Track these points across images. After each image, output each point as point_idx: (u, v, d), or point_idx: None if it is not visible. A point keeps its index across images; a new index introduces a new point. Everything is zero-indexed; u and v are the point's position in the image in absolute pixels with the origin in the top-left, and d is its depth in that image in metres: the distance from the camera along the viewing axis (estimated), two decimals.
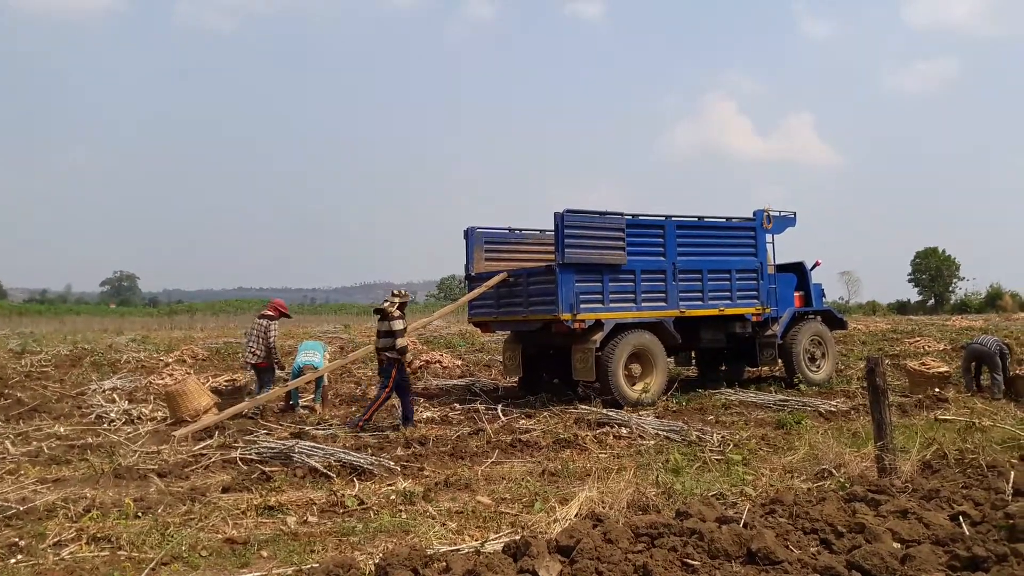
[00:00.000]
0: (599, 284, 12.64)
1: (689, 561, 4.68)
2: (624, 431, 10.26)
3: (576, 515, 5.96)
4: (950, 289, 71.56)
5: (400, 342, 11.08)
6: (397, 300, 11.54)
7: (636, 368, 12.97)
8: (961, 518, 5.48)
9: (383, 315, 11.46)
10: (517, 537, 5.16)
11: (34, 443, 10.06)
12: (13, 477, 8.18)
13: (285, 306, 13.05)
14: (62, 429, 11.10)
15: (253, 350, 12.20)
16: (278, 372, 12.34)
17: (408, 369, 11.42)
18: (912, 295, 72.59)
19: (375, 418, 11.24)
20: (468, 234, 14.33)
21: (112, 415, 12.09)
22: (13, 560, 5.63)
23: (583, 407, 11.81)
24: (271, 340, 12.17)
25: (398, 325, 11.18)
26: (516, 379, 14.89)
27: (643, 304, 13.12)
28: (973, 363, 13.36)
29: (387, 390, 11.15)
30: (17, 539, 6.02)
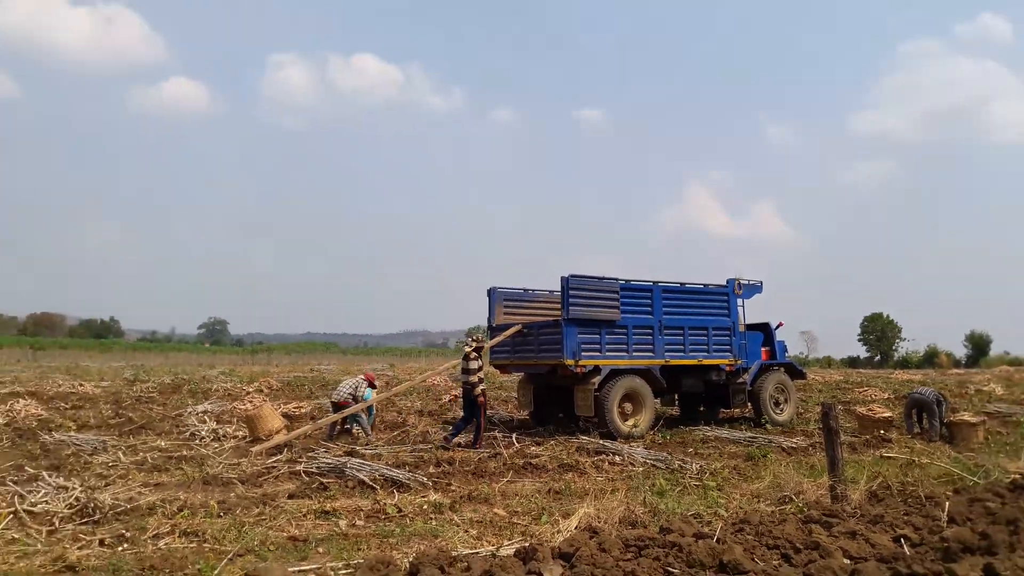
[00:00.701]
0: (598, 336, 12.65)
1: (670, 569, 4.66)
2: (617, 459, 10.17)
3: (576, 527, 5.93)
4: (893, 348, 70.51)
5: (473, 379, 11.46)
6: (475, 344, 11.94)
7: (628, 407, 12.89)
8: (903, 540, 5.41)
9: (465, 356, 11.80)
10: (526, 544, 5.17)
11: (140, 454, 10.18)
12: (123, 481, 8.28)
13: (374, 379, 13.23)
14: (163, 443, 11.22)
15: (344, 393, 12.23)
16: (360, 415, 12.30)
17: (480, 400, 11.59)
18: (861, 352, 71.54)
19: (478, 438, 11.49)
20: (491, 293, 14.44)
21: (203, 433, 12.17)
22: (120, 548, 5.72)
23: (583, 438, 11.72)
24: (359, 395, 12.31)
25: (474, 365, 11.58)
26: (528, 413, 14.81)
27: (634, 354, 13.10)
28: (914, 410, 13.10)
29: (482, 417, 11.56)
30: (124, 531, 6.11)
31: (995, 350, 64.22)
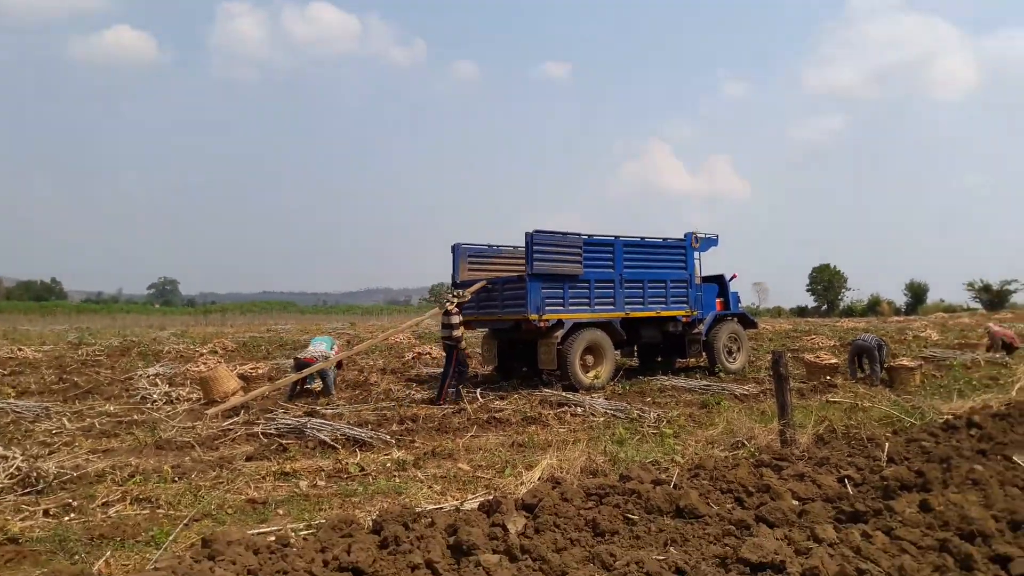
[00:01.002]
0: (561, 291, 12.66)
1: (630, 516, 4.71)
2: (579, 410, 10.26)
3: (539, 479, 5.97)
4: (839, 297, 72.37)
5: (456, 333, 11.55)
6: (456, 300, 11.99)
7: (589, 359, 12.99)
8: (846, 480, 5.56)
9: (445, 312, 11.85)
10: (490, 497, 5.16)
11: (87, 420, 9.86)
12: (68, 448, 8.03)
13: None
14: (112, 408, 10.90)
15: (312, 352, 11.98)
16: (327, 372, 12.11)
17: (464, 354, 11.80)
18: (809, 302, 73.28)
19: (442, 392, 11.52)
20: (455, 249, 14.31)
21: (155, 396, 11.87)
22: (67, 518, 5.54)
23: (546, 391, 11.79)
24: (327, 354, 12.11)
25: (455, 320, 11.66)
26: (492, 368, 14.85)
27: (596, 307, 13.15)
28: (857, 356, 13.49)
29: (453, 370, 11.55)
30: (71, 500, 5.92)
31: (931, 298, 66.52)
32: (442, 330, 12.06)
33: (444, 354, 12.05)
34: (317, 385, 12.22)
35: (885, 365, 13.08)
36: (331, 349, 12.43)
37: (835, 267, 73.19)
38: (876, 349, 12.92)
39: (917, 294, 66.72)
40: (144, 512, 5.66)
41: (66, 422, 9.63)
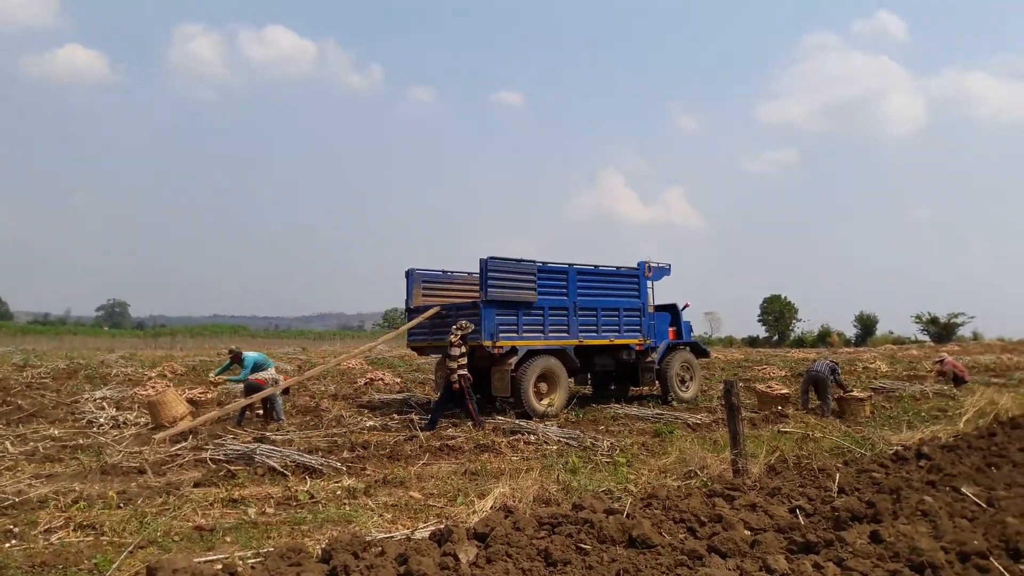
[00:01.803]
0: (515, 317, 12.68)
1: (582, 545, 4.69)
2: (532, 438, 10.24)
3: (491, 507, 5.91)
4: (790, 328, 73.71)
5: (460, 362, 11.56)
6: (460, 332, 11.80)
7: (543, 386, 12.99)
8: (798, 511, 5.62)
9: (449, 343, 11.74)
10: (442, 526, 5.10)
11: (31, 443, 9.51)
12: (11, 473, 7.73)
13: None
14: (56, 432, 10.54)
15: (264, 375, 11.79)
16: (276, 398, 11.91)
17: (457, 385, 11.64)
18: (761, 332, 74.52)
19: (476, 420, 11.49)
20: (409, 274, 14.26)
21: (101, 420, 11.50)
22: (8, 544, 5.33)
23: (500, 418, 11.75)
24: (277, 377, 11.98)
25: (455, 351, 11.60)
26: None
27: (550, 334, 13.20)
28: (811, 386, 13.65)
29: (469, 400, 11.57)
30: (12, 526, 5.70)
31: (881, 330, 68.17)
32: (447, 361, 11.93)
33: (446, 385, 11.95)
34: (259, 409, 12.01)
35: (843, 387, 13.33)
36: (265, 367, 12.15)
37: (786, 298, 74.69)
38: (830, 373, 13.11)
39: (867, 326, 68.35)
40: (88, 539, 5.47)
41: (9, 446, 9.27)
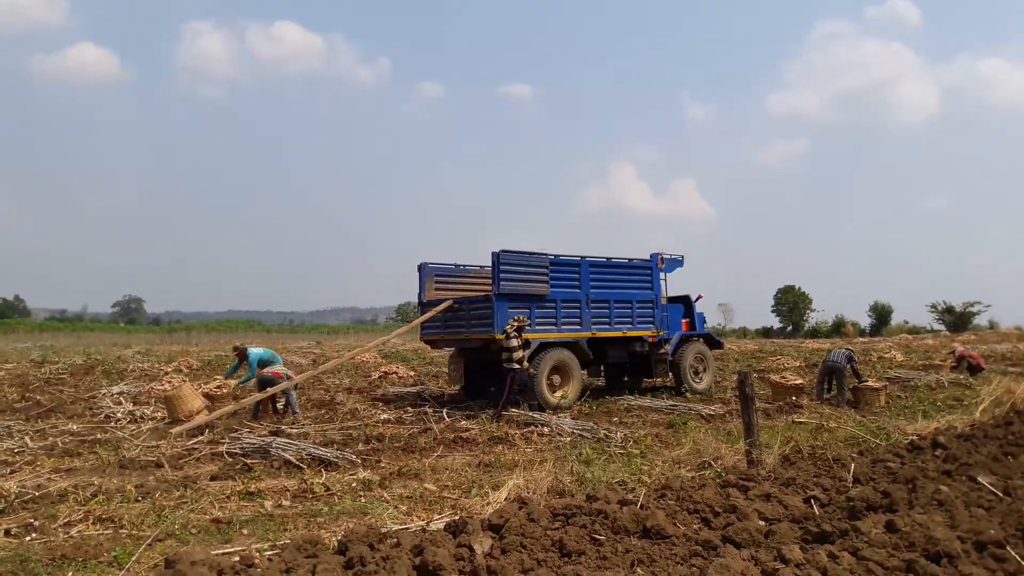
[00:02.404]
0: (527, 310, 12.67)
1: (596, 536, 4.69)
2: (546, 430, 10.25)
3: (505, 499, 5.92)
4: (804, 318, 73.18)
5: (515, 356, 11.73)
6: (516, 324, 11.95)
7: (556, 379, 13.00)
8: (813, 501, 5.60)
9: (506, 335, 11.88)
10: (456, 517, 5.12)
11: (50, 438, 9.63)
12: (31, 467, 7.82)
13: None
14: (75, 427, 10.66)
15: (279, 368, 11.97)
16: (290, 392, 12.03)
17: (526, 375, 11.95)
18: (775, 323, 73.99)
19: (500, 406, 11.76)
20: (421, 268, 14.29)
21: (119, 415, 11.64)
22: (28, 537, 5.40)
23: (513, 410, 11.76)
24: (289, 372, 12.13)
25: (512, 343, 11.71)
26: (459, 387, 14.77)
27: (563, 327, 13.20)
28: (827, 376, 13.57)
29: (507, 391, 11.79)
30: (32, 520, 5.78)
31: (896, 319, 67.57)
32: (502, 354, 12.01)
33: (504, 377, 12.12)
34: (281, 405, 12.09)
35: (859, 375, 13.24)
36: (272, 363, 12.22)
37: (800, 288, 74.16)
38: (847, 366, 13.03)
39: (881, 316, 67.77)
40: (107, 532, 5.53)
41: (28, 441, 9.40)
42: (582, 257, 13.71)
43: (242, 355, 12.33)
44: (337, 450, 8.57)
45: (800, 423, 10.51)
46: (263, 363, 11.99)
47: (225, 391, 12.57)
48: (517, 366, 11.70)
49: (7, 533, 5.49)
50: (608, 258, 14.25)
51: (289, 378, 11.76)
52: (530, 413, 11.37)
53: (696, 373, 15.34)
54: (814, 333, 64.47)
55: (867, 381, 13.46)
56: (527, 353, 12.03)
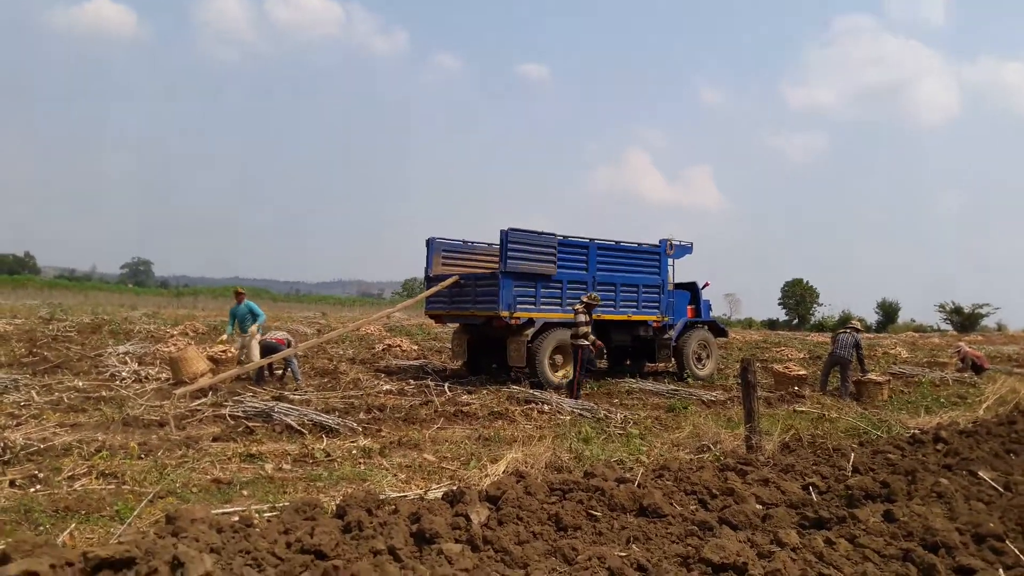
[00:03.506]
0: (533, 289, 12.68)
1: (593, 512, 4.71)
2: (546, 408, 10.27)
3: (503, 472, 5.94)
4: (811, 312, 73.01)
5: (580, 331, 11.56)
6: (586, 301, 11.95)
7: (559, 358, 13.01)
8: (811, 488, 5.61)
9: (575, 311, 11.85)
10: (454, 487, 5.14)
11: (56, 394, 9.70)
12: (36, 421, 7.88)
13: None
14: (80, 383, 10.73)
15: (283, 335, 12.10)
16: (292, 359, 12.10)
17: (593, 352, 11.80)
18: (781, 315, 73.84)
19: (575, 389, 11.56)
20: (429, 243, 14.28)
21: (124, 374, 11.72)
22: (32, 489, 5.45)
23: (514, 387, 11.81)
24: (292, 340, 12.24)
25: (580, 319, 11.62)
26: (462, 362, 14.82)
27: (568, 307, 13.17)
28: (834, 368, 13.43)
29: (577, 370, 11.62)
30: (37, 472, 5.83)
31: (903, 317, 67.30)
32: (574, 329, 11.91)
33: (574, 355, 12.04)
34: (288, 375, 12.17)
35: (863, 363, 13.18)
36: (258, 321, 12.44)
37: (807, 282, 73.90)
38: (853, 357, 12.93)
39: (888, 313, 67.51)
40: (109, 487, 5.57)
41: (35, 395, 9.47)
42: (590, 239, 13.67)
43: (241, 297, 12.54)
44: (339, 418, 8.62)
45: (801, 412, 10.51)
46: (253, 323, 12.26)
47: (231, 354, 12.62)
48: (585, 342, 11.61)
49: (12, 484, 5.53)
50: (617, 241, 14.21)
51: (291, 345, 11.81)
52: (531, 390, 11.40)
53: (699, 359, 15.33)
54: (820, 327, 64.26)
55: (869, 373, 13.41)
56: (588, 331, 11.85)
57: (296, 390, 11.04)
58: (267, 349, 11.64)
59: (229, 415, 8.55)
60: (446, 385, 12.09)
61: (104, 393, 9.98)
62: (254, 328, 12.33)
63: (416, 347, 19.57)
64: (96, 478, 5.77)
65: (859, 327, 13.61)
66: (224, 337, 13.22)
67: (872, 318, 67.78)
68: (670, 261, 14.94)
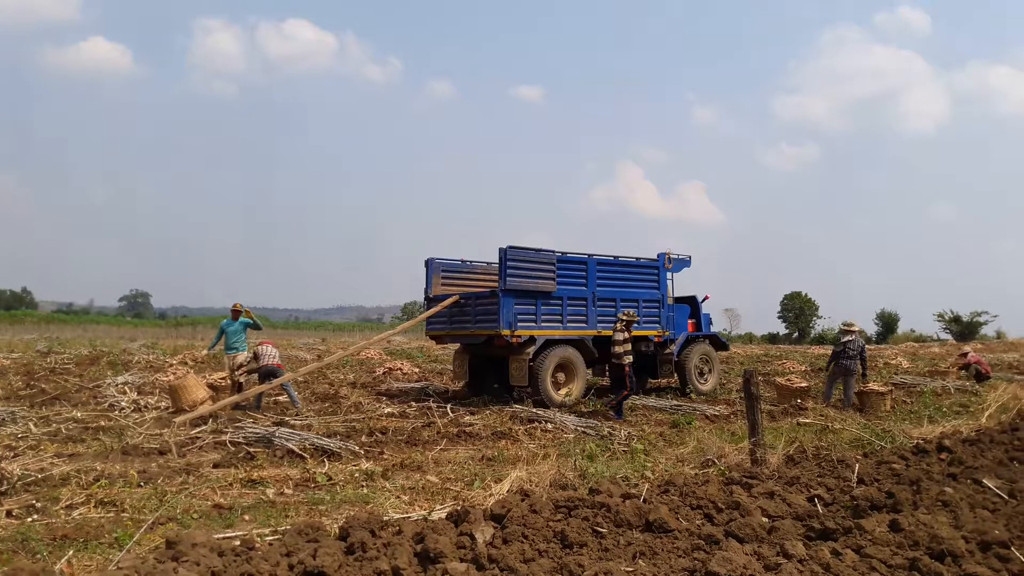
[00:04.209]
0: (533, 307, 12.66)
1: (598, 528, 4.69)
2: (550, 426, 10.24)
3: (508, 491, 5.92)
4: (811, 325, 72.96)
5: (616, 349, 11.61)
6: (625, 319, 11.95)
7: (561, 376, 12.98)
8: (816, 500, 5.59)
9: (614, 330, 11.90)
10: (459, 507, 5.11)
11: (54, 425, 9.65)
12: (34, 452, 7.84)
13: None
14: (79, 414, 10.67)
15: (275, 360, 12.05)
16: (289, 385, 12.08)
17: (627, 371, 11.68)
18: (781, 328, 73.80)
19: (619, 408, 11.57)
20: (428, 263, 14.30)
21: (123, 404, 11.66)
22: (30, 519, 5.41)
23: (517, 406, 11.75)
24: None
25: (618, 337, 11.66)
26: (463, 383, 14.75)
27: (568, 324, 13.17)
28: (839, 379, 13.35)
29: (627, 389, 11.55)
30: (34, 501, 5.79)
31: (902, 328, 67.24)
32: (612, 347, 11.92)
33: (611, 374, 12.18)
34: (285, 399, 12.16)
35: (864, 365, 13.06)
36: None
37: (806, 295, 73.95)
38: (858, 367, 12.92)
39: (888, 323, 67.47)
40: (108, 515, 5.54)
41: (32, 426, 9.42)
42: (589, 255, 13.69)
43: (237, 315, 12.64)
44: (340, 441, 8.57)
45: (805, 424, 10.48)
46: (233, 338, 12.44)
47: (229, 382, 12.58)
48: (626, 360, 11.59)
49: (9, 514, 5.49)
50: (615, 256, 14.22)
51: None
52: (533, 409, 11.36)
53: (701, 374, 15.29)
54: (820, 340, 64.14)
55: (870, 382, 13.39)
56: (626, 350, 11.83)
57: (296, 415, 11.01)
58: (268, 374, 11.61)
59: (230, 441, 8.52)
60: (448, 406, 12.04)
61: (103, 423, 9.94)
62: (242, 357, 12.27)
63: (417, 369, 19.52)
64: (95, 506, 5.74)
65: (859, 331, 13.60)
66: (205, 353, 13.21)
67: (872, 329, 67.73)
68: (669, 275, 14.95)
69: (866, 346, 13.53)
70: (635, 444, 8.88)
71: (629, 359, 11.62)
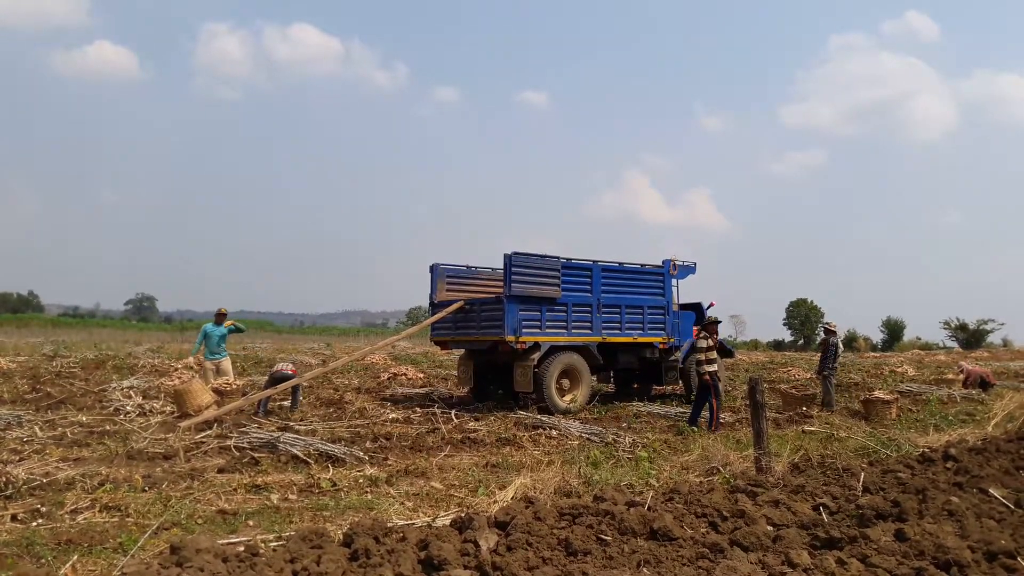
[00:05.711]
0: (538, 313, 12.67)
1: (603, 536, 4.67)
2: (554, 433, 10.23)
3: (512, 498, 5.92)
4: (816, 332, 72.74)
5: (704, 356, 11.39)
6: (710, 322, 11.98)
7: (566, 382, 12.98)
8: (822, 508, 5.57)
9: (695, 338, 11.91)
10: (463, 514, 5.11)
11: (59, 429, 9.70)
12: (39, 456, 7.87)
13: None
14: (84, 418, 10.72)
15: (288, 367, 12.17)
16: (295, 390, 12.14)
17: (707, 380, 11.40)
18: (786, 336, 73.71)
19: (713, 419, 11.27)
20: (433, 268, 14.32)
21: (128, 408, 11.71)
22: (35, 523, 5.43)
23: (522, 413, 11.75)
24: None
25: (702, 344, 11.45)
26: (468, 389, 14.78)
27: (573, 331, 13.17)
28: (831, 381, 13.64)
29: (715, 398, 11.29)
30: (39, 506, 5.82)
31: (908, 335, 67.07)
32: (695, 354, 11.85)
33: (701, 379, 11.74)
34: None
35: (825, 363, 13.69)
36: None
37: (812, 302, 73.82)
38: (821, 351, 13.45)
39: (894, 331, 67.30)
40: (113, 520, 5.56)
41: (37, 430, 9.46)
42: (594, 261, 13.68)
43: (221, 320, 12.94)
44: (345, 447, 8.59)
45: (810, 432, 10.45)
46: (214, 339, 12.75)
47: (235, 386, 12.61)
48: (711, 368, 11.31)
49: (13, 518, 5.52)
50: (620, 263, 14.22)
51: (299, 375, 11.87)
52: (538, 416, 11.35)
53: None
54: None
55: (827, 374, 13.78)
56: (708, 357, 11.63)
57: (300, 419, 11.02)
58: (275, 379, 11.64)
59: (234, 446, 8.53)
60: (453, 412, 12.04)
61: (108, 427, 9.98)
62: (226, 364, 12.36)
63: (422, 375, 19.51)
64: (99, 511, 5.76)
65: (833, 328, 14.31)
66: (191, 359, 13.29)
67: (878, 336, 67.59)
68: (674, 282, 14.94)
69: (834, 341, 14.17)
70: (640, 451, 8.87)
71: (712, 368, 11.26)
